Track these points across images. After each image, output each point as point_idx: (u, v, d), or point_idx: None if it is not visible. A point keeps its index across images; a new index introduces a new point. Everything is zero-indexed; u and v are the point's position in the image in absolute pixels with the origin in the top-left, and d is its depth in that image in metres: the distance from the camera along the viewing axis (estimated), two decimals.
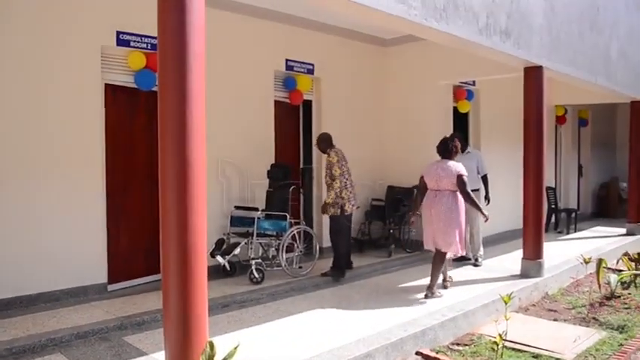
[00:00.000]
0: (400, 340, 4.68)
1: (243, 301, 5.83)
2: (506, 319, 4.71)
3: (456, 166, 6.03)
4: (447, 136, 6.63)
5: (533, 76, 6.98)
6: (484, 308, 5.79)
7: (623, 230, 10.75)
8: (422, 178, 6.26)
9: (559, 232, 10.95)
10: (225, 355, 3.03)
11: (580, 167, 13.28)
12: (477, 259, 7.88)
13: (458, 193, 5.98)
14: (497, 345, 4.64)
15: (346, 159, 6.75)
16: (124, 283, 6.21)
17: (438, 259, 6.12)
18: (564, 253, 8.51)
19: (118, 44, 5.99)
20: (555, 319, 5.98)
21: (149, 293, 5.97)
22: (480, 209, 6.22)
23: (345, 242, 6.79)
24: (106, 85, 6.02)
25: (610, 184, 14.16)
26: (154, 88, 6.34)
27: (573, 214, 11.25)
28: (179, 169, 3.24)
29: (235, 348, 3.05)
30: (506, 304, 4.80)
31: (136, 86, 6.18)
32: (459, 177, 5.91)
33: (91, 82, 5.79)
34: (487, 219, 6.23)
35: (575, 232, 11.07)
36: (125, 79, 6.16)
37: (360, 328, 4.94)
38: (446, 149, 6.18)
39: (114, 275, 6.12)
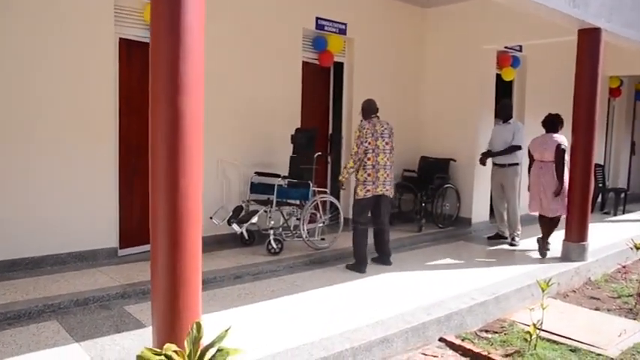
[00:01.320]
0: (422, 324, 4.27)
1: (258, 273, 5.49)
2: (543, 308, 4.22)
3: (559, 137, 6.62)
4: (552, 113, 6.90)
5: (589, 39, 6.28)
6: (518, 292, 5.30)
7: None
8: (529, 150, 6.92)
9: (605, 213, 10.22)
10: (214, 339, 2.67)
11: (633, 144, 12.37)
12: (513, 239, 7.35)
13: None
14: (531, 335, 4.19)
15: (383, 135, 5.64)
16: (136, 248, 5.96)
17: (548, 222, 6.73)
18: (610, 236, 7.88)
19: None
20: (598, 309, 5.44)
21: None
22: (562, 184, 6.51)
23: (356, 232, 5.73)
24: (121, 39, 5.66)
25: None
26: None
27: (622, 195, 10.47)
28: (170, 121, 2.85)
29: (226, 331, 2.69)
30: (543, 290, 4.31)
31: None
32: (558, 146, 6.48)
33: (103, 36, 5.44)
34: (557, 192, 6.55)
35: (623, 213, 10.31)
36: (141, 34, 5.78)
37: (379, 308, 4.54)
38: (552, 124, 6.77)
39: (125, 240, 5.87)
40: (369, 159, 5.63)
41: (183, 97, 2.84)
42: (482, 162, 7.42)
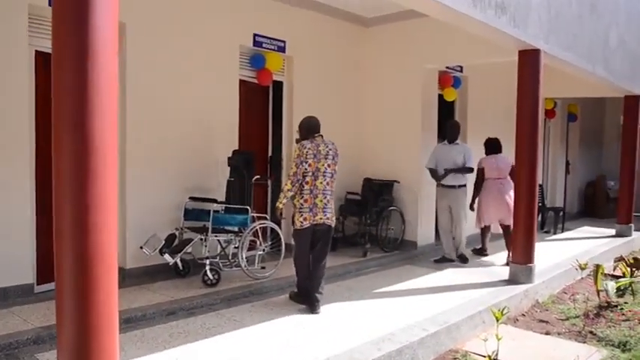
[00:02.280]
0: None
1: (193, 308, 5.02)
2: (498, 339, 3.98)
3: (508, 158, 7.36)
4: (491, 137, 7.75)
5: (529, 60, 6.24)
6: (470, 320, 5.06)
7: (612, 231, 10.16)
8: (481, 170, 7.48)
9: (546, 232, 10.31)
10: None
11: (567, 164, 12.69)
12: (462, 256, 7.34)
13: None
14: None
15: (327, 157, 5.03)
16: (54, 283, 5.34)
17: (509, 231, 7.19)
18: (554, 255, 7.85)
19: (50, 4, 5.09)
20: (548, 333, 5.29)
21: None
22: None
23: (297, 263, 5.20)
24: (37, 52, 5.13)
25: (597, 182, 13.63)
26: None
27: (561, 213, 10.63)
28: (76, 144, 2.41)
29: None
30: (497, 320, 4.07)
31: None
32: (513, 167, 6.89)
33: (16, 49, 4.90)
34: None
35: (562, 231, 10.45)
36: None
37: (326, 345, 4.17)
38: (497, 145, 7.66)
39: (44, 274, 5.26)
40: (306, 182, 4.98)
41: (92, 120, 2.41)
42: (439, 180, 7.34)
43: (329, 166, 5.06)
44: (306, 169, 4.97)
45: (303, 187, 4.99)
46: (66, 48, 2.43)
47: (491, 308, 5.12)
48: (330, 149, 5.10)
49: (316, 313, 4.96)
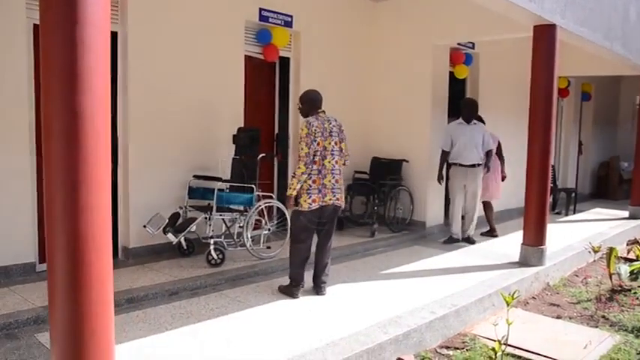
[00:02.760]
0: (379, 345, 3.82)
1: (196, 288, 4.93)
2: (509, 324, 3.85)
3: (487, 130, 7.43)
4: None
5: (544, 36, 6.02)
6: (478, 303, 4.95)
7: (626, 213, 9.98)
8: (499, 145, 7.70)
9: (557, 214, 10.13)
10: None
11: (580, 144, 12.43)
12: (469, 238, 7.31)
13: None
14: (496, 353, 3.81)
15: (332, 134, 4.78)
16: None
17: (490, 205, 7.93)
18: (565, 237, 7.70)
19: None
20: (559, 317, 5.17)
21: None
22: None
23: (295, 248, 4.87)
24: (36, 26, 4.98)
25: (610, 163, 13.36)
26: None
27: (573, 195, 10.43)
28: (66, 122, 2.28)
29: None
30: (508, 304, 3.94)
31: None
32: (500, 143, 7.54)
33: (12, 23, 4.76)
34: None
35: (574, 213, 10.26)
36: None
37: (331, 328, 4.07)
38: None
39: (44, 253, 5.17)
40: (314, 162, 4.70)
41: (81, 95, 2.28)
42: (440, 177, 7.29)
43: (336, 143, 4.82)
44: (315, 148, 4.71)
45: (311, 167, 4.71)
46: (54, 19, 2.29)
47: (501, 291, 4.99)
48: (333, 125, 4.84)
49: (322, 294, 4.86)
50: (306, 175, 4.69)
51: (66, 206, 2.30)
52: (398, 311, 4.48)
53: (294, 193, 4.75)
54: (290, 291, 4.83)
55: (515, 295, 3.98)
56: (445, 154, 7.17)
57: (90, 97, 2.31)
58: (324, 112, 4.88)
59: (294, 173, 4.75)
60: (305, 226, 4.81)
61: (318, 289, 4.89)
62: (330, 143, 4.77)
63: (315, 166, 4.72)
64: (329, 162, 4.77)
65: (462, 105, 7.32)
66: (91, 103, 2.31)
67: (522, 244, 6.26)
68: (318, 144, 4.70)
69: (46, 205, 2.35)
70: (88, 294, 2.37)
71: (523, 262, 6.17)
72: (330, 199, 4.80)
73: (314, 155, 4.70)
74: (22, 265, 4.93)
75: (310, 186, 4.73)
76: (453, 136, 7.13)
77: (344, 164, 4.96)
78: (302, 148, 4.71)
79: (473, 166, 7.15)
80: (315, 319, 4.31)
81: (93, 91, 2.32)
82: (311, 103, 4.87)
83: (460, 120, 7.22)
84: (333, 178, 4.80)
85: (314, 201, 4.74)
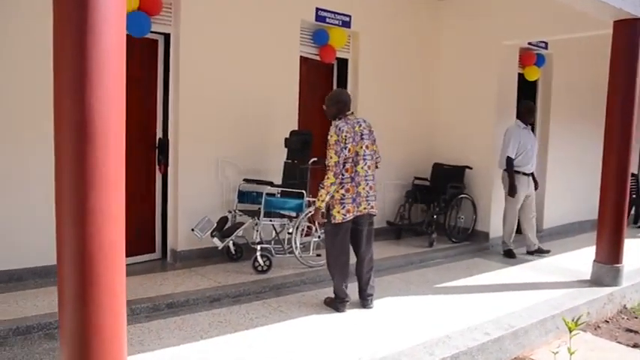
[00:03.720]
0: None
1: (239, 295, 4.80)
2: (570, 353, 3.44)
3: None
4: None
5: (626, 32, 5.44)
6: (540, 325, 4.51)
7: None
8: None
9: (639, 227, 9.29)
10: None
11: None
12: (540, 250, 6.88)
13: None
14: None
15: (363, 138, 4.41)
16: None
17: None
18: None
19: None
20: (636, 345, 4.63)
21: (136, 277, 5.03)
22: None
23: (334, 263, 4.53)
24: None
25: None
26: (149, 35, 5.33)
27: None
28: (77, 122, 2.17)
29: None
30: (570, 331, 3.52)
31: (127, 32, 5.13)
32: None
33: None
34: None
35: None
36: None
37: (374, 345, 3.81)
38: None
39: None
40: (346, 170, 4.36)
41: (93, 93, 2.16)
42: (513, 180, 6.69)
43: (367, 147, 4.44)
44: (346, 155, 4.36)
45: (343, 175, 4.37)
46: (66, 18, 2.18)
47: (566, 313, 4.56)
48: (364, 127, 4.46)
49: (369, 307, 4.58)
50: (335, 186, 4.36)
51: (72, 211, 2.19)
52: (448, 330, 4.14)
53: (323, 205, 4.42)
54: (335, 305, 4.58)
55: (580, 321, 3.55)
56: (511, 161, 6.67)
57: (101, 93, 2.18)
58: (352, 113, 4.55)
59: (322, 184, 4.38)
60: (341, 240, 4.51)
61: (364, 302, 4.61)
62: (361, 148, 4.42)
63: (347, 174, 4.39)
64: (362, 168, 4.42)
65: (525, 107, 6.82)
66: (102, 101, 2.18)
67: (595, 260, 5.71)
68: (349, 150, 4.36)
69: (55, 209, 2.25)
70: (97, 307, 2.25)
71: (595, 281, 5.62)
72: (365, 208, 4.47)
73: (345, 163, 4.37)
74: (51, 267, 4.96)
75: (344, 195, 4.40)
76: (521, 141, 6.64)
77: (376, 167, 4.64)
78: (331, 157, 4.34)
79: (532, 174, 6.79)
80: (359, 334, 4.05)
81: (104, 87, 2.19)
82: (341, 104, 4.51)
83: (521, 123, 6.73)
84: (367, 185, 4.46)
85: (348, 211, 4.41)
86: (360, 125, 4.45)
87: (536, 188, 6.93)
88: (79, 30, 2.15)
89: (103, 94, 2.19)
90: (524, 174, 6.68)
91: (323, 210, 4.52)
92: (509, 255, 6.75)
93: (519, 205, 6.75)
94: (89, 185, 2.18)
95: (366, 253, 4.61)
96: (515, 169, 6.63)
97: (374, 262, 4.70)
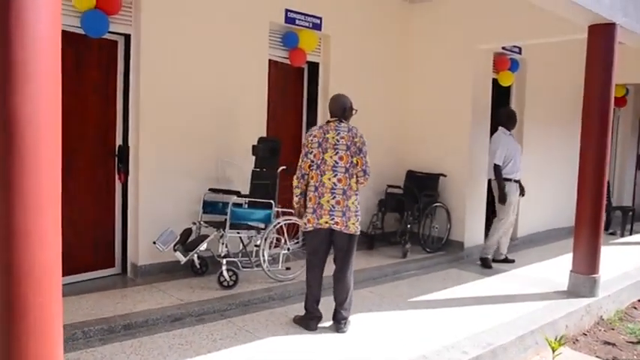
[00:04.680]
0: None
1: (203, 314, 4.49)
2: None
3: None
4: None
5: (601, 36, 5.35)
6: (519, 342, 4.33)
7: None
8: None
9: (611, 234, 9.26)
10: None
11: (638, 158, 11.49)
12: (506, 260, 6.81)
13: None
14: None
15: (336, 147, 4.14)
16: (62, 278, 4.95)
17: None
18: (620, 262, 6.93)
19: None
20: (615, 359, 4.48)
21: (92, 294, 4.70)
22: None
23: (307, 273, 4.37)
24: None
25: None
26: (107, 35, 5.00)
27: (630, 213, 9.54)
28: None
29: None
30: (554, 351, 3.33)
31: (83, 32, 4.81)
32: None
33: None
34: None
35: (630, 234, 9.37)
36: (69, 22, 4.79)
37: None
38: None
39: None
40: (311, 177, 4.22)
41: (17, 96, 1.86)
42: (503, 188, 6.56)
43: (340, 158, 4.14)
44: (311, 160, 4.21)
45: (309, 182, 4.25)
46: None
47: (543, 330, 4.39)
48: (341, 137, 4.15)
49: (341, 331, 4.26)
50: (299, 189, 4.33)
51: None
52: (424, 349, 3.93)
53: (296, 205, 4.42)
54: (305, 323, 4.32)
55: (562, 340, 3.37)
56: (499, 169, 6.50)
57: (30, 93, 1.88)
58: (338, 120, 4.27)
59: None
60: (310, 249, 4.35)
61: (336, 325, 4.29)
62: (330, 157, 4.16)
63: (312, 182, 4.23)
64: (328, 179, 4.16)
65: (508, 114, 6.71)
66: (30, 101, 1.89)
67: (572, 271, 5.58)
68: (314, 155, 4.20)
69: None
70: (25, 338, 1.94)
71: (572, 292, 5.50)
72: (327, 222, 4.16)
73: (310, 168, 4.24)
74: None
75: (308, 204, 4.26)
76: (508, 149, 6.51)
77: (358, 183, 4.22)
78: (299, 159, 4.34)
79: (519, 181, 6.70)
80: (329, 356, 3.80)
81: (34, 85, 1.89)
82: (329, 109, 4.38)
83: (505, 130, 6.61)
84: (334, 198, 4.15)
85: (309, 221, 4.23)
86: (339, 134, 4.18)
87: (522, 195, 6.81)
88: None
89: (32, 93, 1.89)
90: (515, 181, 6.60)
91: (298, 208, 4.44)
92: (485, 264, 6.59)
93: (515, 213, 6.65)
94: (14, 203, 1.88)
95: (339, 273, 4.31)
96: (506, 176, 6.51)
97: (350, 285, 4.35)
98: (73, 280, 5.03)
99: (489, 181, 6.78)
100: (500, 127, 6.68)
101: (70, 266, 4.98)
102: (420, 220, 6.96)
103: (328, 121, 4.30)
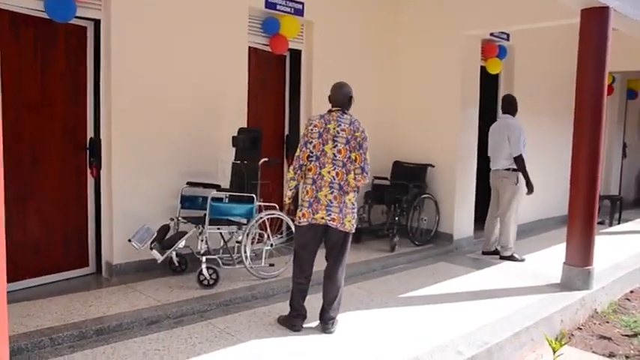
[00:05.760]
0: None
1: (181, 316, 4.23)
2: None
3: None
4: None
5: (595, 21, 5.16)
6: (515, 339, 4.15)
7: None
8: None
9: (600, 224, 9.06)
10: None
11: (625, 146, 11.41)
12: (512, 256, 6.45)
13: None
14: None
15: (336, 139, 3.90)
16: (30, 280, 4.67)
17: None
18: (612, 252, 6.79)
19: None
20: (612, 355, 4.34)
21: (63, 297, 4.41)
22: None
23: (294, 268, 4.14)
24: (1, 10, 4.35)
25: None
26: (74, 21, 4.68)
27: (618, 202, 9.44)
28: None
29: None
30: (555, 351, 3.14)
31: (47, 16, 4.48)
32: None
33: None
34: None
35: (619, 223, 9.28)
36: (31, 5, 4.47)
37: None
38: None
39: (14, 271, 4.56)
40: (309, 169, 3.96)
41: None
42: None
43: (339, 151, 3.90)
44: (310, 151, 3.96)
45: (307, 174, 3.99)
46: None
47: (538, 325, 4.22)
48: (341, 129, 3.91)
49: (328, 332, 4.02)
50: (295, 182, 4.04)
51: None
52: (417, 350, 3.72)
53: (288, 201, 4.18)
54: (289, 322, 4.08)
55: (563, 342, 3.17)
56: (523, 159, 6.26)
57: None
58: (340, 110, 4.01)
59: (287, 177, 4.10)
60: (299, 243, 4.09)
61: (324, 325, 4.05)
62: (330, 148, 3.92)
63: (310, 174, 3.97)
64: (328, 172, 3.92)
65: (511, 101, 6.48)
66: None
67: (565, 263, 5.41)
68: (314, 146, 3.94)
69: None
70: None
71: (566, 285, 5.33)
72: (323, 218, 3.92)
73: (309, 159, 3.97)
74: None
75: (304, 197, 4.00)
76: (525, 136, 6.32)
77: (355, 180, 3.95)
78: (297, 151, 4.05)
79: None
80: (321, 357, 3.57)
81: None
82: (331, 98, 4.09)
83: (512, 117, 6.42)
84: (331, 193, 3.91)
85: (304, 215, 3.98)
86: (340, 125, 3.92)
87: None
88: None
89: None
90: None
91: (289, 204, 4.20)
92: (512, 259, 6.38)
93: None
94: None
95: (329, 270, 4.07)
96: (513, 166, 6.30)
97: (341, 283, 4.10)
98: (43, 282, 4.76)
99: (490, 171, 6.52)
100: (504, 115, 6.45)
101: (39, 266, 4.74)
102: (407, 213, 6.75)
103: (330, 111, 4.02)
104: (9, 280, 4.18)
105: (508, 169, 6.30)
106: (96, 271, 5.17)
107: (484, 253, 6.63)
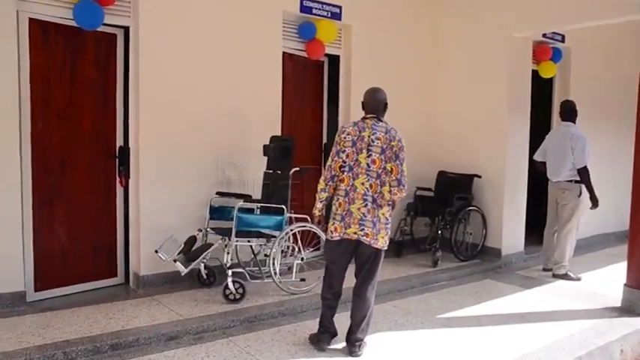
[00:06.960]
0: None
1: (202, 332, 4.04)
2: None
3: None
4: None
5: None
6: None
7: None
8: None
9: None
10: None
11: None
12: (566, 274, 5.94)
13: None
14: None
15: (370, 148, 3.62)
16: (56, 290, 4.62)
17: None
18: None
19: None
20: None
21: (87, 308, 4.32)
22: None
23: (323, 282, 3.90)
24: (31, 20, 4.33)
25: None
26: (103, 28, 4.63)
27: None
28: None
29: None
30: None
31: (76, 24, 4.44)
32: None
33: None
34: None
35: None
36: (60, 14, 4.44)
37: None
38: None
39: (42, 280, 4.53)
40: (342, 180, 3.68)
41: None
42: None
43: (373, 161, 3.61)
44: (343, 160, 3.68)
45: (339, 185, 3.71)
46: None
47: (592, 355, 3.76)
48: (377, 138, 3.62)
49: (355, 355, 3.72)
50: (326, 194, 3.76)
51: None
52: None
53: (318, 213, 3.89)
54: (315, 338, 3.85)
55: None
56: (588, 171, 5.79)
57: None
58: (375, 118, 3.74)
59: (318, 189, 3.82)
60: (330, 259, 3.83)
61: (350, 347, 3.75)
62: (364, 158, 3.64)
63: (342, 185, 3.69)
64: (361, 184, 3.63)
65: (572, 108, 6.03)
66: None
67: (626, 284, 4.89)
68: (347, 156, 3.66)
69: None
70: None
71: (626, 309, 4.82)
72: (356, 233, 3.64)
73: (341, 170, 3.68)
74: (9, 295, 4.24)
75: (336, 210, 3.72)
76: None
77: (391, 193, 3.68)
78: (329, 160, 3.78)
79: None
80: None
81: None
82: (364, 104, 3.83)
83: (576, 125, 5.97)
84: (365, 206, 3.62)
85: (335, 230, 3.70)
86: (375, 134, 3.64)
87: None
88: None
89: None
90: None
91: (319, 217, 3.92)
92: (566, 277, 5.90)
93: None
94: None
95: (358, 289, 3.77)
96: (577, 178, 5.82)
97: (371, 303, 3.79)
98: (71, 291, 4.71)
99: (549, 183, 6.06)
100: (565, 122, 5.99)
101: (68, 276, 4.68)
102: (452, 226, 6.34)
103: (364, 118, 3.77)
104: (37, 290, 4.17)
105: (570, 181, 5.82)
106: (124, 281, 5.08)
107: (545, 269, 6.14)
